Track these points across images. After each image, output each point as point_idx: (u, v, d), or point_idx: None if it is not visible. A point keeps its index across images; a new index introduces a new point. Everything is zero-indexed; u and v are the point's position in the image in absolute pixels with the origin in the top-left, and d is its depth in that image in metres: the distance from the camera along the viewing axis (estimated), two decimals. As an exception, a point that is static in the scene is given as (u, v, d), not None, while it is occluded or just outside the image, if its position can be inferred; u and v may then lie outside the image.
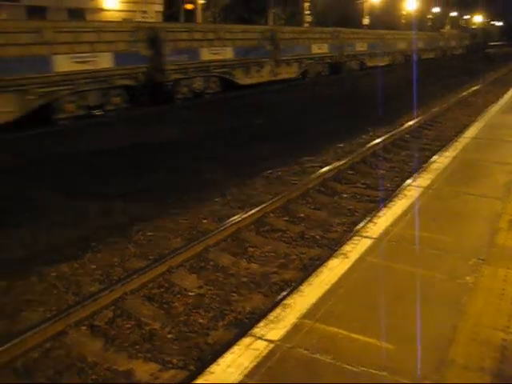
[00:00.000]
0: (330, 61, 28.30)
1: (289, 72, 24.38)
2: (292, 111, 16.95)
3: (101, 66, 15.01)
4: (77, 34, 14.53)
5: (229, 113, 16.79)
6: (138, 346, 4.48)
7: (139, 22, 20.56)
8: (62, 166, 10.14)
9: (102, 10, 22.02)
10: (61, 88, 13.94)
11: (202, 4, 29.58)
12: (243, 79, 21.11)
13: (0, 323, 4.79)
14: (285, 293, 5.02)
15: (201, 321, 4.86)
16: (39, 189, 8.64)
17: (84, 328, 4.69)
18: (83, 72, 14.49)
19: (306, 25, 36.84)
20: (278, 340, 3.38)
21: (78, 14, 20.77)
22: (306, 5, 38.63)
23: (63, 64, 13.94)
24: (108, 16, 21.42)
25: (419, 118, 14.88)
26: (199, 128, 14.08)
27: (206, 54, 19.11)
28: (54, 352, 4.39)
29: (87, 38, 14.75)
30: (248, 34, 21.70)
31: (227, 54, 20.10)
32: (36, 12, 18.68)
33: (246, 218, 6.95)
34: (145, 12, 22.77)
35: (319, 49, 27.03)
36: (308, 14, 38.47)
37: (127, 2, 22.27)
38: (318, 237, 6.80)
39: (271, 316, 3.66)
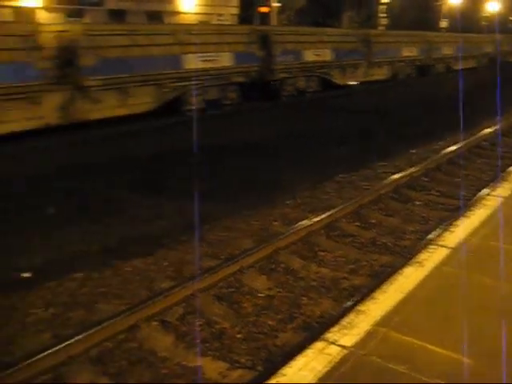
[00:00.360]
0: (418, 63, 28.72)
1: (380, 74, 25.18)
2: (375, 112, 16.81)
3: (222, 64, 16.61)
4: (204, 35, 16.21)
5: (322, 111, 17.28)
6: (207, 344, 4.53)
7: (253, 25, 22.43)
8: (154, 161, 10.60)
9: (179, 12, 22.48)
10: (189, 83, 15.45)
11: (278, 7, 29.67)
12: (340, 79, 22.14)
13: (77, 313, 4.97)
14: (357, 298, 4.95)
15: (270, 322, 4.87)
16: (122, 185, 8.99)
17: (155, 323, 4.78)
18: (207, 69, 16.09)
19: (381, 28, 36.27)
20: (352, 346, 3.33)
21: (155, 16, 21.28)
22: (382, 7, 38.03)
23: (192, 62, 15.53)
24: (185, 19, 21.84)
25: (499, 125, 14.30)
26: (292, 126, 14.44)
27: (309, 55, 20.26)
28: (126, 344, 4.50)
29: (212, 40, 16.37)
30: (345, 37, 22.85)
31: (326, 55, 21.19)
32: (117, 15, 19.32)
33: (316, 221, 6.91)
34: (221, 15, 23.08)
35: (409, 52, 27.66)
36: (384, 17, 37.86)
37: (204, 5, 22.60)
38: (389, 244, 6.68)
39: (344, 322, 3.60)
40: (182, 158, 10.02)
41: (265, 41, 18.16)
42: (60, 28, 12.98)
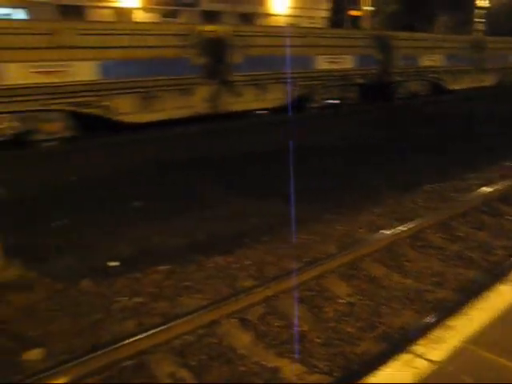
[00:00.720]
0: None
1: (489, 80, 25.52)
2: (476, 120, 16.31)
3: (345, 66, 18.14)
4: (331, 39, 17.81)
5: (429, 115, 17.56)
6: (286, 346, 4.52)
7: (372, 30, 23.82)
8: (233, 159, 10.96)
9: (270, 14, 22.70)
10: (316, 82, 17.11)
11: (370, 11, 29.32)
12: (450, 84, 22.82)
13: (161, 304, 5.11)
14: (442, 312, 4.79)
15: (349, 329, 4.80)
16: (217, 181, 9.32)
17: (235, 320, 4.82)
18: (332, 70, 17.66)
19: (477, 33, 34.98)
20: (440, 361, 3.22)
21: (247, 18, 21.60)
22: (479, 12, 36.64)
23: (320, 63, 17.24)
24: (275, 21, 22.03)
25: None
26: (395, 129, 14.79)
27: (423, 60, 21.21)
28: (206, 339, 4.57)
29: (337, 43, 17.93)
30: (457, 44, 23.44)
31: (438, 61, 22.06)
32: (210, 16, 19.78)
33: (402, 231, 6.76)
34: (312, 18, 23.13)
35: None
36: (480, 22, 36.47)
37: (295, 8, 22.73)
38: (477, 258, 6.40)
39: (432, 335, 3.49)
40: (281, 157, 10.01)
41: (384, 45, 19.21)
42: (212, 28, 14.68)
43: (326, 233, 6.94)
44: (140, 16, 16.85)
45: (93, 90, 12.17)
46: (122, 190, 8.66)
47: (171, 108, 13.59)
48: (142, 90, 13.01)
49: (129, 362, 4.20)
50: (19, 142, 11.53)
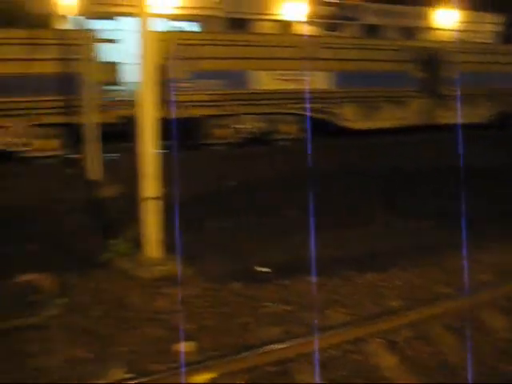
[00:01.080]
0: None
1: None
2: None
3: None
4: None
5: None
6: (432, 374, 4.33)
7: None
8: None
9: (434, 28, 21.99)
10: None
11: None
12: None
13: (307, 315, 5.12)
14: None
15: (509, 367, 4.46)
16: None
17: (382, 340, 4.71)
18: None
19: None
20: None
21: (409, 32, 21.10)
22: None
23: None
24: (439, 35, 21.26)
25: None
26: None
27: None
28: (351, 355, 4.51)
29: None
30: None
31: None
32: (372, 30, 19.61)
33: None
34: (477, 32, 22.01)
35: None
36: None
37: (463, 22, 21.76)
38: None
39: None
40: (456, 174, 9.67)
41: None
42: (429, 44, 16.30)
43: (482, 260, 6.57)
44: (303, 29, 17.22)
45: (325, 98, 13.74)
46: (289, 196, 8.88)
47: (388, 118, 14.78)
48: (365, 100, 14.34)
49: (272, 368, 4.27)
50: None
